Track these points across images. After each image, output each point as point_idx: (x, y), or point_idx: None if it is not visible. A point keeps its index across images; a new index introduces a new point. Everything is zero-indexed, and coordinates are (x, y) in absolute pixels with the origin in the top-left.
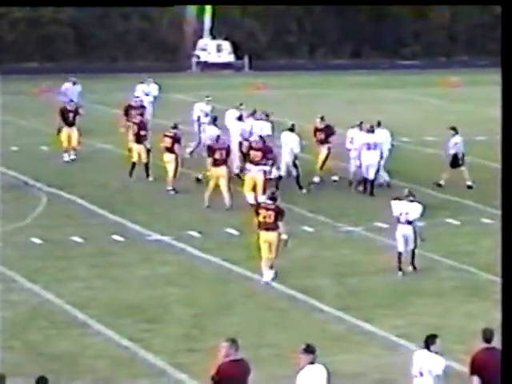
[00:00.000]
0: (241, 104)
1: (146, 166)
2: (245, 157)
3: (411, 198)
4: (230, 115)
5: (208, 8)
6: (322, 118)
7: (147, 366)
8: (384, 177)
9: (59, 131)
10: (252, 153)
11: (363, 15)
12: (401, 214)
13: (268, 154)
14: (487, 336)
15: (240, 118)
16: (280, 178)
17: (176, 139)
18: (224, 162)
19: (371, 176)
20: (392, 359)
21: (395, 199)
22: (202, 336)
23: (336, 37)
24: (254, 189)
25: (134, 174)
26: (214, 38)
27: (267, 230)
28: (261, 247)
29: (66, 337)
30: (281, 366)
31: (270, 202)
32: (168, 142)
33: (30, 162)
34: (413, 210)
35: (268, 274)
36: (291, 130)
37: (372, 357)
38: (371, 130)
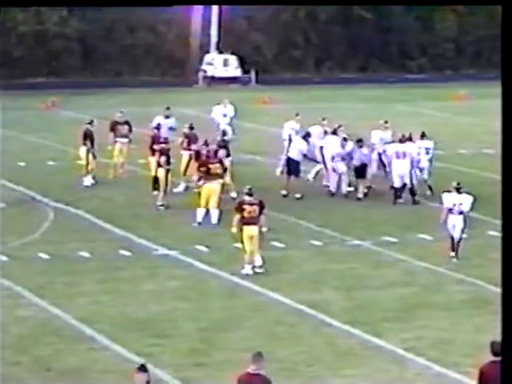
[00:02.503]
0: (323, 119)
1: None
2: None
3: (461, 190)
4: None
5: (214, 21)
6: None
7: (155, 381)
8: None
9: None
10: (212, 166)
11: (369, 28)
12: (454, 205)
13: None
14: (495, 349)
15: (325, 132)
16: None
17: (164, 153)
18: (219, 176)
19: (407, 182)
20: (401, 373)
21: (445, 191)
22: (209, 351)
23: (342, 50)
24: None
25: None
26: (220, 52)
27: (250, 224)
28: (244, 242)
29: (74, 352)
30: (290, 381)
31: (251, 197)
32: (158, 156)
33: (37, 177)
34: (465, 200)
35: (249, 267)
36: (334, 132)
37: (381, 371)
38: (402, 140)
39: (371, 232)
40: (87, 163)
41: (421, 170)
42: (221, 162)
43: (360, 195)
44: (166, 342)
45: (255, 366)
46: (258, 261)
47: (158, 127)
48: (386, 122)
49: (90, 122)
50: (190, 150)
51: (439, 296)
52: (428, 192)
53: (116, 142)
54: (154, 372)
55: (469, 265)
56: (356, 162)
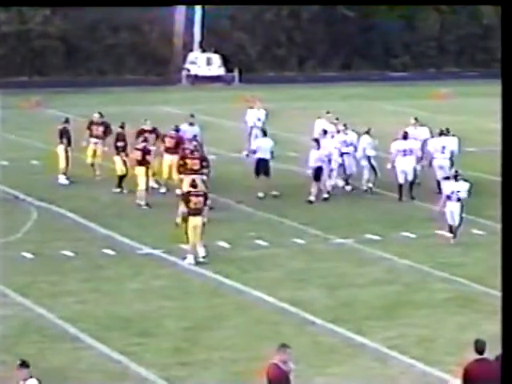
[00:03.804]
0: (337, 118)
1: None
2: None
3: (458, 177)
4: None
5: (197, 20)
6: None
7: (139, 380)
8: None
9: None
10: (189, 161)
11: (352, 26)
12: (452, 193)
13: (204, 161)
14: (479, 347)
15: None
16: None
17: (146, 151)
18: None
19: (410, 179)
20: (384, 371)
21: (445, 178)
22: (193, 349)
23: (325, 49)
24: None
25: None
26: (203, 51)
27: (196, 215)
28: (189, 232)
29: (57, 351)
30: None
31: (196, 188)
32: (138, 154)
33: (20, 176)
34: (463, 187)
35: (191, 257)
36: (367, 132)
37: (364, 369)
38: (406, 137)
39: (354, 230)
40: (66, 162)
41: (440, 167)
42: (201, 158)
43: (312, 198)
44: (150, 341)
45: (281, 356)
46: (201, 251)
47: (177, 129)
48: (416, 120)
49: (66, 121)
50: (176, 153)
51: (422, 294)
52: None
53: (90, 142)
54: (138, 371)
55: (452, 263)
56: (313, 164)
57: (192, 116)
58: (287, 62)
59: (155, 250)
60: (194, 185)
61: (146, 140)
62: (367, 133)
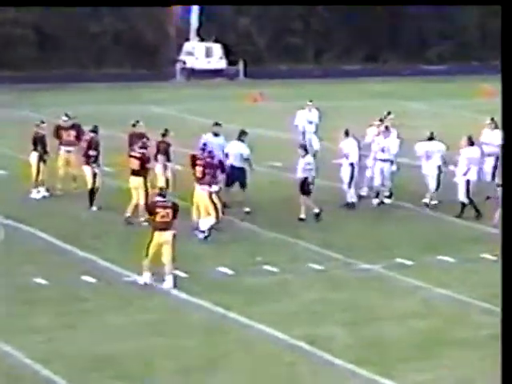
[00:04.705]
0: (388, 113)
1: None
2: None
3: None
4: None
5: (195, 5)
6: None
7: None
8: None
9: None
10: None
11: (379, 12)
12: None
13: (209, 169)
14: None
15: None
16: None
17: (145, 160)
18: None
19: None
20: None
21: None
22: None
23: (347, 38)
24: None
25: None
26: (202, 40)
27: (164, 229)
28: (151, 249)
29: None
30: None
31: (164, 199)
32: (135, 163)
33: None
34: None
35: (148, 276)
36: (431, 138)
37: None
38: (431, 138)
39: (382, 253)
40: (37, 172)
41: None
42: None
43: (302, 216)
44: None
45: None
46: (169, 280)
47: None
48: (492, 120)
49: (40, 124)
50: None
51: (464, 330)
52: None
53: (60, 150)
54: None
55: (499, 293)
56: (300, 174)
57: (217, 124)
58: (302, 53)
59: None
60: (161, 194)
61: (144, 146)
62: (431, 138)
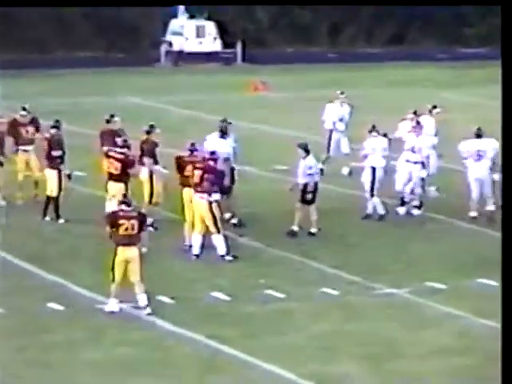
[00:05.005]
0: (434, 106)
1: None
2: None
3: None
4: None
5: None
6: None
7: None
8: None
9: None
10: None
11: None
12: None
13: (209, 175)
14: None
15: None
16: None
17: (127, 163)
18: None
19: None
20: None
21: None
22: None
23: (367, 15)
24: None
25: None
26: (191, 17)
27: (129, 244)
28: (116, 268)
29: None
30: None
31: (128, 208)
32: (115, 166)
33: None
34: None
35: (115, 302)
36: (479, 135)
37: None
38: (479, 135)
39: (408, 275)
40: None
41: None
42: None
43: (294, 227)
44: None
45: None
46: (143, 299)
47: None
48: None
49: None
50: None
51: None
52: None
53: (17, 150)
54: None
55: None
56: (301, 179)
57: (224, 122)
58: (313, 34)
59: (122, 303)
60: (125, 202)
61: (126, 145)
62: (479, 135)
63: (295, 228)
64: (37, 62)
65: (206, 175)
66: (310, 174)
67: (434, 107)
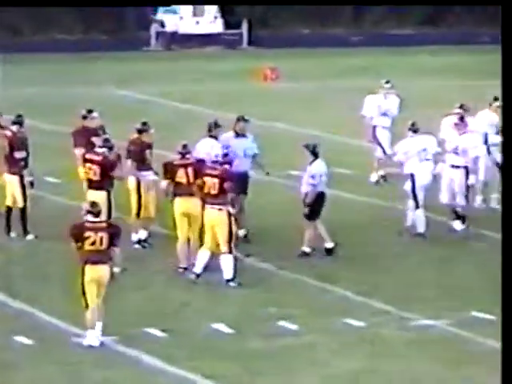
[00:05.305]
0: (496, 98)
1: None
2: None
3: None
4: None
5: None
6: None
7: None
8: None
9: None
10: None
11: None
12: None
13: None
14: None
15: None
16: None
17: (107, 165)
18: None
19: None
20: None
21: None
22: None
23: None
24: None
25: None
26: None
27: (97, 262)
28: (87, 291)
29: None
30: None
31: (96, 218)
32: (94, 171)
33: None
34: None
35: (93, 334)
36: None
37: None
38: (415, 130)
39: (450, 304)
40: None
41: None
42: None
43: (306, 249)
44: None
45: None
46: (97, 328)
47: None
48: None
49: None
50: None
51: None
52: None
53: None
54: None
55: None
56: (305, 189)
57: (242, 119)
58: (333, 13)
59: (104, 336)
60: (92, 211)
61: (108, 145)
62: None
63: (306, 249)
64: (11, 47)
65: (225, 184)
66: (312, 184)
67: (496, 99)
